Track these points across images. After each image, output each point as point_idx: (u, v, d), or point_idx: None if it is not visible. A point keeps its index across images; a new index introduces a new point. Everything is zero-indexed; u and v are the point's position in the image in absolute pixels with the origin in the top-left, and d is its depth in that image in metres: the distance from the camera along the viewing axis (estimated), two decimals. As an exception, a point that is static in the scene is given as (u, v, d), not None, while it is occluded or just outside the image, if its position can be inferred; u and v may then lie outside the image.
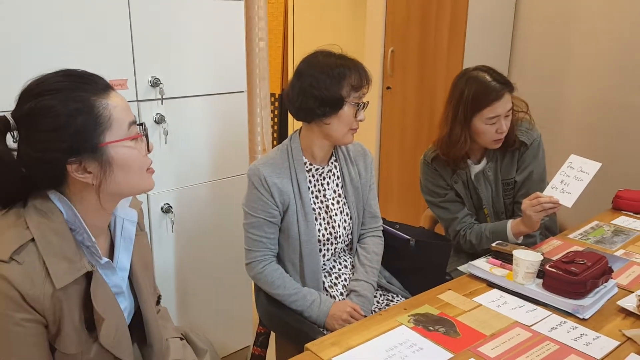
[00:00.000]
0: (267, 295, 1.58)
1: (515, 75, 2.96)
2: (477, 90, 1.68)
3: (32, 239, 0.95)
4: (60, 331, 0.98)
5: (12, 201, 1.00)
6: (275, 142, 3.83)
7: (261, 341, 1.76)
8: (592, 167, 1.63)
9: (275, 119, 4.40)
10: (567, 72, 2.79)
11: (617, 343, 1.20)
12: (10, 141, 0.99)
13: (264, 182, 1.51)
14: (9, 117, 0.97)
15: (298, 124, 1.60)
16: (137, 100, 1.73)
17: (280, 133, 4.42)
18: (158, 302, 1.29)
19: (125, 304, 1.12)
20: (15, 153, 0.98)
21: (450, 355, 1.14)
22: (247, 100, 2.11)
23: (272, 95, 4.38)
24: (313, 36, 4.09)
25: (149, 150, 1.06)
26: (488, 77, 1.69)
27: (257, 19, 2.44)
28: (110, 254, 1.12)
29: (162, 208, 1.87)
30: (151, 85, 1.75)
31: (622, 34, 2.57)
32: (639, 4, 2.50)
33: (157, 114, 1.79)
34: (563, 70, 2.80)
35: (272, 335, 1.77)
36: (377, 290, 1.68)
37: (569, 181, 1.62)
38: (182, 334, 1.30)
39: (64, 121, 0.94)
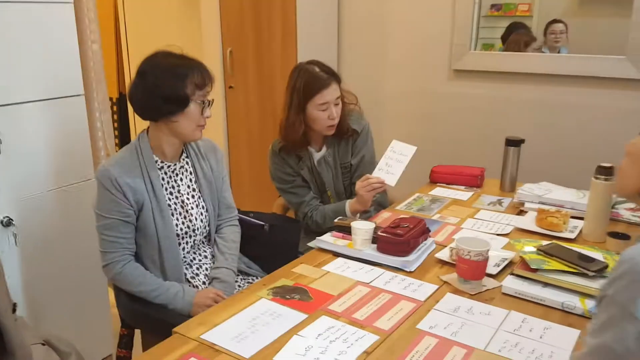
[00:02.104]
0: (129, 294, 1.61)
1: (344, 72, 3.27)
2: (307, 80, 1.89)
3: None
4: None
5: None
6: (117, 148, 3.70)
7: (125, 342, 1.77)
8: (409, 150, 1.91)
9: (115, 124, 4.23)
10: (385, 68, 3.17)
11: (437, 287, 1.46)
12: None
13: (115, 183, 1.53)
14: None
15: (141, 128, 1.64)
16: (-37, 109, 1.62)
17: (122, 138, 4.27)
18: (14, 311, 1.25)
19: (-21, 316, 1.09)
20: None
21: (306, 316, 1.31)
22: (85, 105, 2.07)
23: (110, 99, 4.21)
24: (148, 39, 4.00)
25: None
26: (317, 69, 1.91)
27: (87, 21, 2.38)
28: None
29: (1, 222, 1.76)
30: (-22, 93, 1.65)
31: (426, 34, 3.00)
32: (437, 11, 2.93)
33: (-13, 122, 1.69)
34: (382, 66, 3.17)
35: (137, 334, 1.78)
36: (238, 275, 1.79)
37: (392, 163, 1.89)
38: (43, 341, 1.28)
39: None
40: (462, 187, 2.32)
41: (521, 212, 2.01)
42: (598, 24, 2.80)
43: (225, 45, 3.17)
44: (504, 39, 3.18)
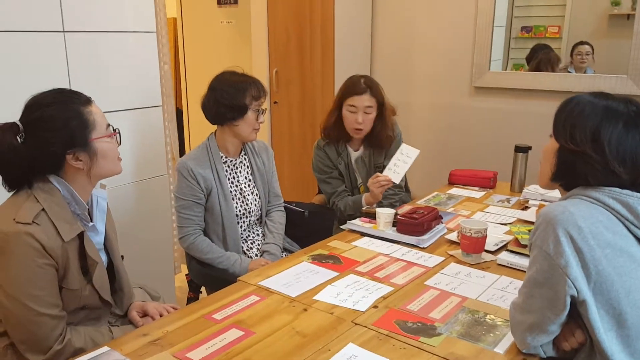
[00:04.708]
0: (198, 260, 2.02)
1: (376, 88, 3.67)
2: (348, 84, 2.30)
3: (43, 209, 1.32)
4: (66, 273, 1.35)
5: (19, 184, 1.37)
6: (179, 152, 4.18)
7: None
8: (413, 152, 2.24)
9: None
10: (414, 86, 3.56)
11: (444, 258, 1.82)
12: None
13: (191, 172, 1.96)
14: (18, 123, 1.34)
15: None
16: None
17: (179, 145, 4.76)
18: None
19: (103, 258, 1.51)
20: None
21: (337, 274, 1.69)
22: (162, 114, 2.52)
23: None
24: (204, 62, 4.51)
25: (119, 144, 1.48)
26: (361, 79, 2.31)
27: (161, 46, 2.87)
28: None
29: (98, 205, 2.22)
30: (86, 102, 2.12)
31: (450, 55, 3.37)
32: (459, 35, 3.31)
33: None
34: (410, 85, 3.56)
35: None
36: (283, 251, 2.18)
37: (399, 164, 2.23)
38: (140, 285, 1.71)
39: (63, 124, 1.34)
40: (477, 188, 2.65)
41: (525, 208, 2.34)
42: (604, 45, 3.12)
43: (271, 66, 3.64)
44: (529, 59, 3.50)
